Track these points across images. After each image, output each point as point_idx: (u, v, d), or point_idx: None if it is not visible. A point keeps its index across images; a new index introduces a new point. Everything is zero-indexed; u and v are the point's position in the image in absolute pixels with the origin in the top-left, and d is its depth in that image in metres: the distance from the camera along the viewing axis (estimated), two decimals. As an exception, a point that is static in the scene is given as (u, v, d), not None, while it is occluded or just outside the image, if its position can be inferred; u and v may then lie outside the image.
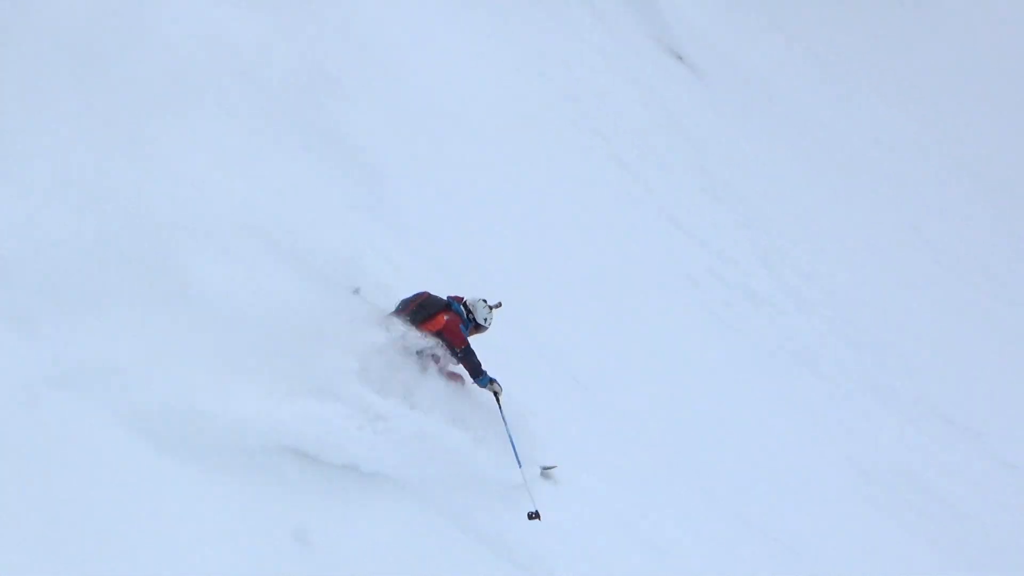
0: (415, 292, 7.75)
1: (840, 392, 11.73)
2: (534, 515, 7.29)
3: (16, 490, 5.35)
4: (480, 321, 7.76)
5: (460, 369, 7.74)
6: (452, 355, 7.57)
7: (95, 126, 8.62)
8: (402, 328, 7.49)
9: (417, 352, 7.58)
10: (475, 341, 7.56)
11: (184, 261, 7.71)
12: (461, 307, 7.79)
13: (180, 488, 6.05)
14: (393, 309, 7.77)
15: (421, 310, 7.57)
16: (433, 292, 7.81)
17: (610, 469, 8.47)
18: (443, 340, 7.55)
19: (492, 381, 7.64)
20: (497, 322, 7.80)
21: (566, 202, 12.86)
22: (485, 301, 7.86)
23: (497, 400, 7.68)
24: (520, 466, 7.52)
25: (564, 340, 10.64)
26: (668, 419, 9.62)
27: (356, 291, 8.20)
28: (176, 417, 6.49)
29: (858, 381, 12.00)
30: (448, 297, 7.84)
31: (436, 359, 7.63)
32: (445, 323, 7.53)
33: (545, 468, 7.96)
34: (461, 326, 7.69)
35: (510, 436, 7.62)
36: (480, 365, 7.57)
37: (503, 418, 7.67)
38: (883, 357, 12.59)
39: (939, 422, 11.46)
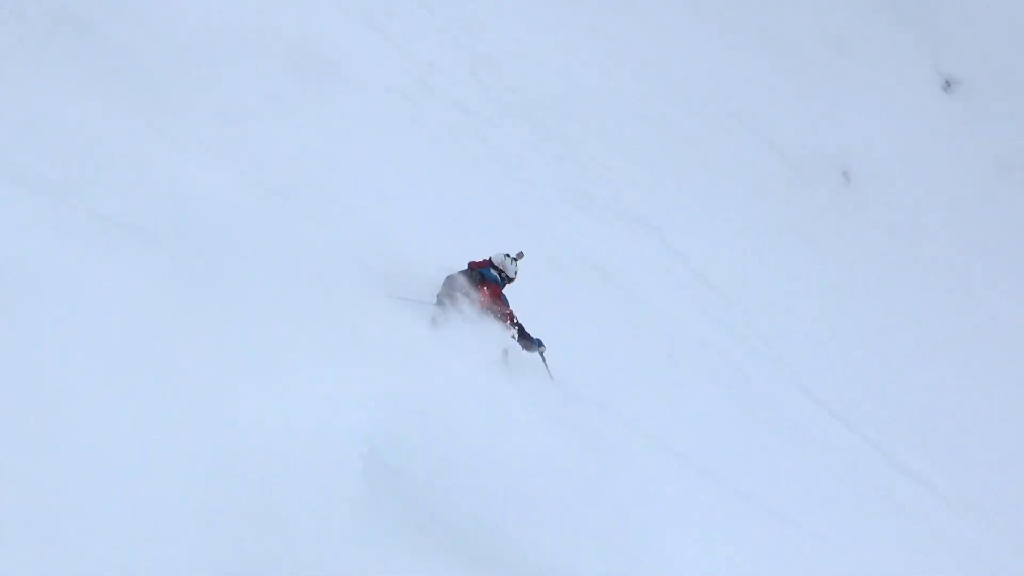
0: (448, 276, 7.99)
1: (542, 196, 12.47)
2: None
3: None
4: (511, 276, 8.09)
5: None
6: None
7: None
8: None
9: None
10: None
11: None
12: (492, 271, 8.02)
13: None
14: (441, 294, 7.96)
15: (466, 291, 7.82)
16: (460, 267, 8.07)
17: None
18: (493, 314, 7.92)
19: (540, 344, 8.07)
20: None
21: (265, 14, 12.05)
22: (508, 255, 8.18)
23: (543, 358, 8.17)
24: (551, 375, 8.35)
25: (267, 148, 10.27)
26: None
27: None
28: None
29: (559, 186, 12.77)
30: (470, 266, 8.07)
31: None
32: (491, 297, 7.88)
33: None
34: (503, 295, 7.99)
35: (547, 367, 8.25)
36: (529, 334, 7.94)
37: (549, 372, 8.25)
38: (583, 164, 13.42)
39: (627, 220, 12.61)
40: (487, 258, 8.21)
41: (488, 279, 8.05)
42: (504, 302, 8.03)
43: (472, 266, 8.15)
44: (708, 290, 12.01)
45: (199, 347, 6.92)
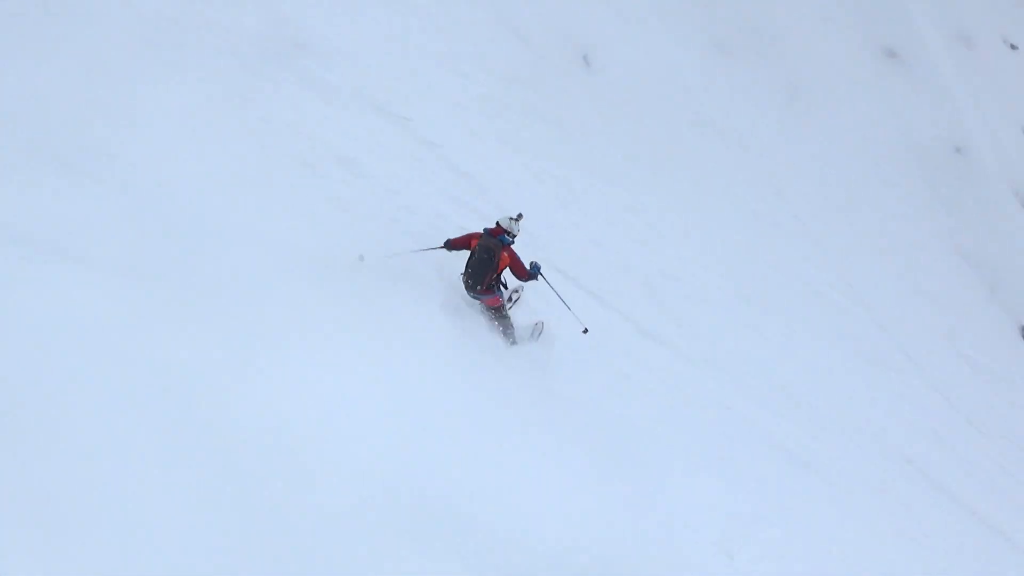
0: (473, 254, 9.52)
1: (283, 93, 11.75)
2: (585, 331, 10.30)
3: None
4: (516, 234, 9.67)
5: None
6: (515, 275, 9.69)
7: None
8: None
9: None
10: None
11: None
12: (506, 236, 9.56)
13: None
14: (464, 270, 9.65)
15: (487, 260, 9.38)
16: (461, 238, 9.72)
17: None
18: (512, 270, 9.59)
19: (539, 270, 9.74)
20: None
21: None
22: (511, 218, 9.69)
23: (545, 279, 9.96)
24: (570, 308, 10.20)
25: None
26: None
27: (361, 258, 9.65)
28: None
29: (300, 80, 12.08)
30: (487, 233, 9.61)
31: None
32: (509, 260, 9.52)
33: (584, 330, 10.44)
34: (517, 253, 9.61)
35: (557, 293, 10.11)
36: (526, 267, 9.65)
37: (551, 286, 10.08)
38: (321, 53, 12.73)
39: (372, 112, 12.21)
40: (496, 224, 9.64)
41: (505, 244, 9.55)
42: (519, 263, 9.57)
43: (492, 233, 9.60)
44: (460, 178, 12.04)
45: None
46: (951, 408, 15.52)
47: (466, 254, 9.74)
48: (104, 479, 5.56)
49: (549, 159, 13.49)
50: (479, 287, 9.51)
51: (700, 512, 9.52)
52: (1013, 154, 22.79)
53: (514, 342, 10.24)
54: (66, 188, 8.05)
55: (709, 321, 13.54)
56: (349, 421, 7.23)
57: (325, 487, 6.62)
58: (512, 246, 9.56)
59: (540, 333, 10.65)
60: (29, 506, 5.16)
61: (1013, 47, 26.89)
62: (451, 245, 9.64)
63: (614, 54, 16.54)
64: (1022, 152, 23.26)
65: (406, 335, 8.90)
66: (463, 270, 9.63)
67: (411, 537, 6.83)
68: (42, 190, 7.84)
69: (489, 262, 9.33)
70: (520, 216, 9.84)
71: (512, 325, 10.18)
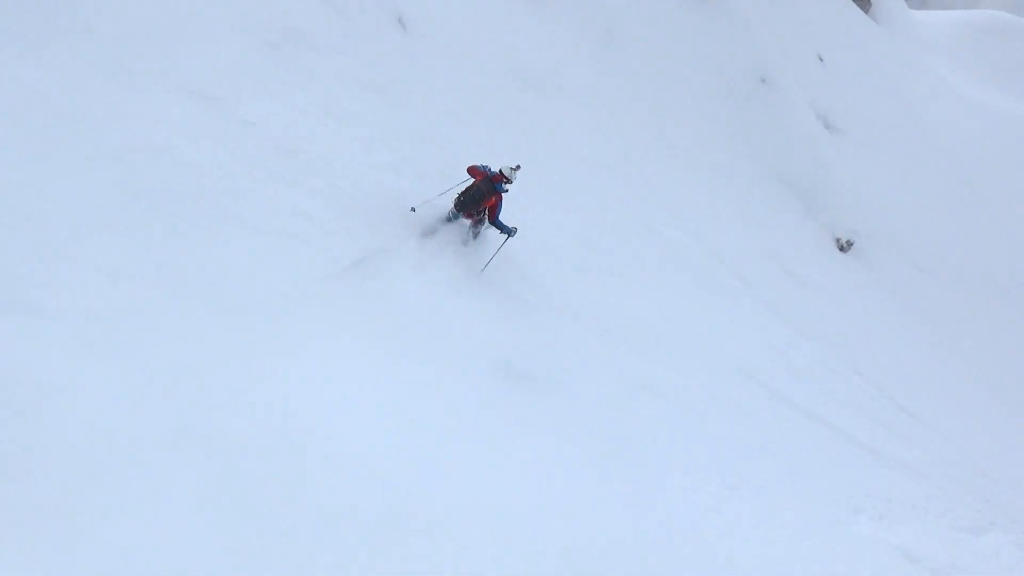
0: (471, 188, 11.48)
1: (72, 76, 10.82)
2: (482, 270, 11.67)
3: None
4: (512, 181, 11.55)
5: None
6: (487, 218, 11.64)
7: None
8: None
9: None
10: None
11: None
12: (502, 185, 11.38)
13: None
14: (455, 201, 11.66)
15: (479, 199, 11.39)
16: (477, 170, 11.62)
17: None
18: (487, 211, 11.51)
19: (513, 229, 11.69)
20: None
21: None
22: (512, 168, 11.52)
23: (505, 242, 11.86)
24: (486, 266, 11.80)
25: None
26: None
27: (413, 209, 11.57)
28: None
29: (90, 63, 11.17)
30: (489, 177, 11.44)
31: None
32: (492, 203, 11.36)
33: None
34: (502, 200, 11.57)
35: (499, 249, 11.89)
36: (503, 222, 11.65)
37: (500, 245, 11.91)
38: (122, 36, 11.84)
39: (186, 96, 11.49)
40: (499, 171, 11.44)
41: (498, 191, 11.35)
42: (499, 207, 11.47)
43: (493, 179, 11.35)
44: (285, 156, 11.57)
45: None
46: (780, 320, 16.67)
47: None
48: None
49: (375, 127, 13.20)
50: (463, 213, 11.61)
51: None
52: (813, 81, 24.42)
53: (477, 235, 12.11)
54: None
55: (552, 269, 13.82)
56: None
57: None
58: (503, 193, 11.46)
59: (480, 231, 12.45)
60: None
61: (802, -22, 28.62)
62: (469, 170, 11.60)
63: (429, 14, 16.34)
64: (820, 79, 24.96)
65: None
66: (460, 193, 11.51)
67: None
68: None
69: (480, 200, 11.36)
70: (518, 167, 11.70)
71: (482, 226, 12.08)
